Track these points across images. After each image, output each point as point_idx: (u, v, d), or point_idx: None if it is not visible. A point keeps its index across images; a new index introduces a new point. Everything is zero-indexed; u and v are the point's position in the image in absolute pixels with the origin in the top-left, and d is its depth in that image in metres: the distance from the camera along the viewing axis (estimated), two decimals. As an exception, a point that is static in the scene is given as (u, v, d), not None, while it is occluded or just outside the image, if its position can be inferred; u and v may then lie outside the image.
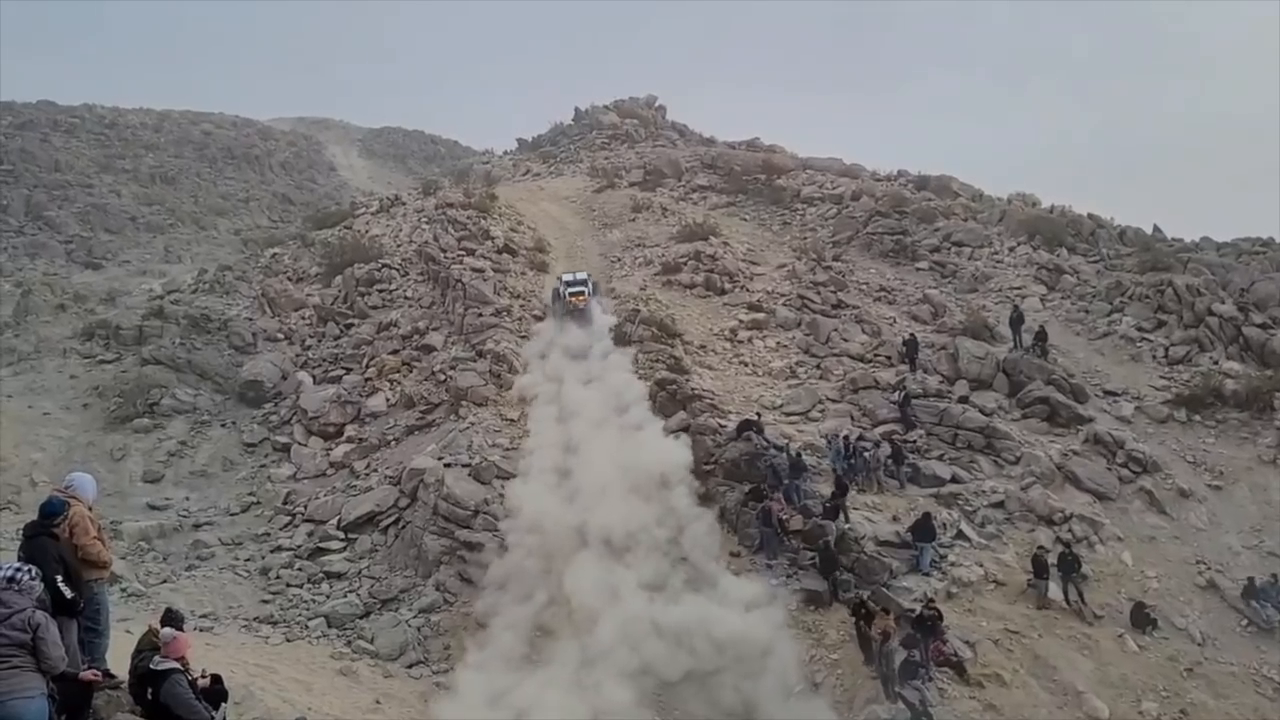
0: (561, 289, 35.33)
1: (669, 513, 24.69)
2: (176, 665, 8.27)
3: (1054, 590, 22.46)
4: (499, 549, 24.02)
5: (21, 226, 56.33)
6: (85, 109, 72.77)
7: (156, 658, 8.34)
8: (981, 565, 23.37)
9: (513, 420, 29.44)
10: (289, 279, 42.97)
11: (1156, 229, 42.48)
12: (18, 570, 6.92)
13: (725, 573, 23.13)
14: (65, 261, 53.80)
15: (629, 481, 25.33)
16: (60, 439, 30.74)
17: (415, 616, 23.09)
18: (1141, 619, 22.22)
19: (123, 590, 22.38)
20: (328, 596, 24.07)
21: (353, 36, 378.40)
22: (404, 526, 25.93)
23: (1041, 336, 31.42)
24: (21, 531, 8.83)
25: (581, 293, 34.68)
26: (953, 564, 23.32)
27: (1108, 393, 30.44)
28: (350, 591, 24.17)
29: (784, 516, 23.88)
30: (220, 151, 72.59)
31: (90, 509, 9.33)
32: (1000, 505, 25.47)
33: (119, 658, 9.22)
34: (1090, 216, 43.55)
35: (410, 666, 21.74)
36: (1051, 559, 22.86)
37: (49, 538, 8.51)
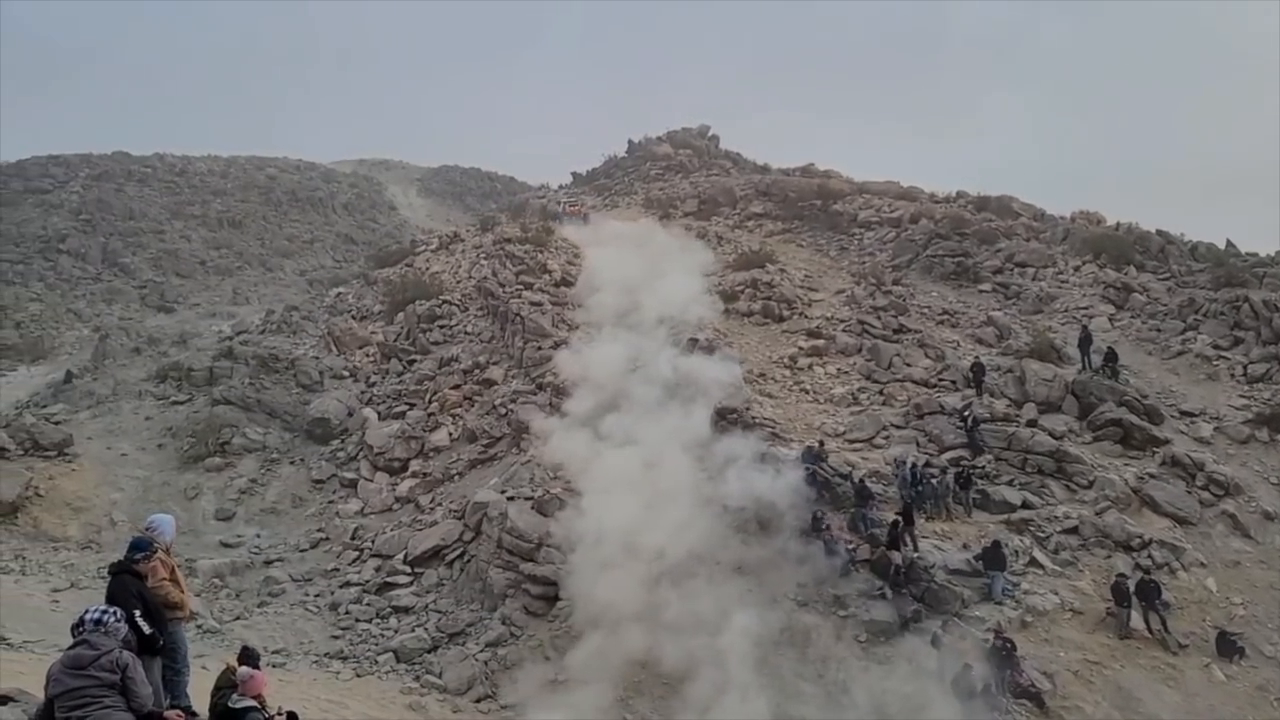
0: (562, 207, 51.58)
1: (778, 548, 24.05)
2: (254, 703, 8.41)
3: (1135, 619, 21.76)
4: (575, 591, 23.42)
5: (99, 273, 58.45)
6: (156, 158, 75.30)
7: (234, 696, 8.49)
8: (1057, 593, 22.71)
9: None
10: (353, 317, 43.83)
11: (1230, 244, 41.28)
12: (104, 613, 7.09)
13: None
14: (139, 306, 55.65)
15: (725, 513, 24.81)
16: (137, 479, 31.59)
17: (482, 650, 23.07)
18: (1227, 647, 21.39)
19: (198, 627, 22.78)
20: (396, 631, 24.23)
21: (407, 78, 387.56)
22: (469, 560, 26.05)
23: (1111, 357, 30.62)
24: (108, 569, 9.08)
25: (577, 204, 48.67)
26: (1026, 592, 22.68)
27: (1184, 413, 29.57)
28: (418, 626, 24.29)
29: (850, 546, 23.54)
30: (285, 195, 74.44)
31: (167, 550, 9.55)
32: (1074, 531, 24.72)
33: (198, 694, 9.39)
34: (1159, 233, 42.57)
35: (478, 701, 21.68)
36: (1131, 586, 22.17)
37: (131, 575, 8.72)
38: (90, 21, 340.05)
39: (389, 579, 26.20)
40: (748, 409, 29.43)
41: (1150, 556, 23.82)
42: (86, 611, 7.09)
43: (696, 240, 45.56)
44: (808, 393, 32.61)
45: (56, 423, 33.83)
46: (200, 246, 64.30)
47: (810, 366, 34.25)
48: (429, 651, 23.30)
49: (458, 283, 43.90)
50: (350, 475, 32.01)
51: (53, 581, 25.04)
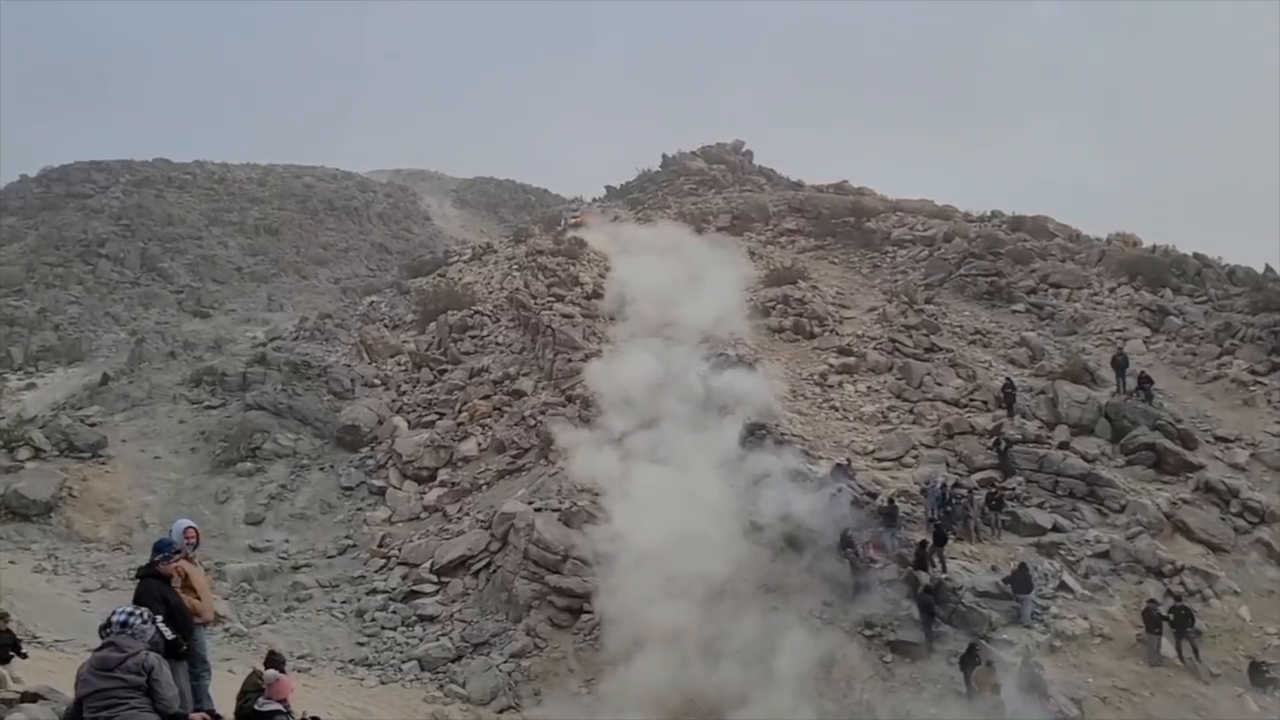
0: (566, 218, 56.25)
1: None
2: (280, 707, 8.50)
3: (1166, 646, 21.41)
4: (602, 607, 23.37)
5: (137, 278, 59.33)
6: (196, 165, 76.38)
7: (260, 699, 8.59)
8: (1086, 618, 22.38)
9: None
10: (386, 326, 44.26)
11: (1269, 268, 40.65)
12: (130, 614, 7.17)
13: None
14: (176, 311, 56.44)
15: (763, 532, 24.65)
16: (170, 482, 31.98)
17: (506, 661, 23.15)
18: (1260, 678, 20.97)
19: (226, 630, 23.02)
20: (420, 639, 24.36)
21: (446, 85, 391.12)
22: (495, 570, 26.14)
23: (1146, 380, 30.23)
24: (136, 573, 9.16)
25: (580, 215, 55.21)
26: (1055, 616, 22.38)
27: (1219, 439, 29.08)
28: (443, 635, 24.41)
29: (878, 565, 23.35)
30: (321, 204, 75.16)
31: (186, 555, 9.54)
32: (1105, 555, 24.37)
33: (225, 698, 9.48)
34: (1196, 255, 42.04)
35: (501, 712, 21.77)
36: (1164, 613, 21.81)
37: (155, 578, 8.77)
38: (128, 31, 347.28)
39: (415, 587, 26.36)
40: (777, 425, 29.36)
41: (1182, 583, 23.44)
42: (114, 613, 7.17)
43: (733, 251, 45.40)
44: (837, 410, 32.45)
45: (92, 424, 34.34)
46: (237, 253, 65.13)
47: (840, 384, 34.09)
48: (453, 661, 23.41)
49: (490, 293, 44.15)
50: (379, 483, 32.23)
51: (84, 582, 25.44)
